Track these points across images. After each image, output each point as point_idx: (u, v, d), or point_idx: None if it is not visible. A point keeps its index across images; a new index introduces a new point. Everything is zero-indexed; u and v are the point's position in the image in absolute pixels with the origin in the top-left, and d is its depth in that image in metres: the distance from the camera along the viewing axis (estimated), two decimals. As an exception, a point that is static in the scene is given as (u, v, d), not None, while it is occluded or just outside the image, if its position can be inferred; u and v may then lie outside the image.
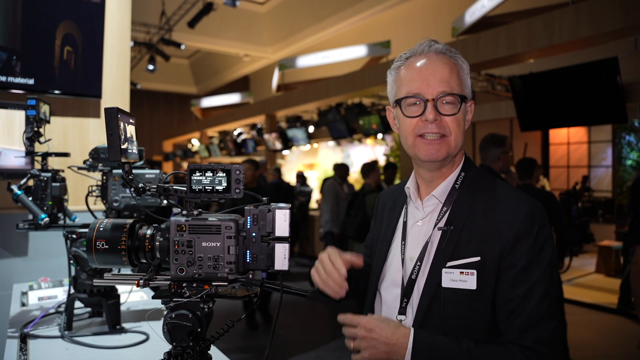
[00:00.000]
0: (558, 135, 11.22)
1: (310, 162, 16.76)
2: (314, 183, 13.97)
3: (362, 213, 5.20)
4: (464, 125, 1.25)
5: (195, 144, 19.65)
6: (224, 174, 1.08)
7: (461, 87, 1.22)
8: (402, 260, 1.29)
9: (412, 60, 1.25)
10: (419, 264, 1.24)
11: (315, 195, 11.66)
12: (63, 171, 2.14)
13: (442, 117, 1.20)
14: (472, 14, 7.82)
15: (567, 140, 11.12)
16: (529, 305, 1.11)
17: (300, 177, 11.54)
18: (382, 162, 12.44)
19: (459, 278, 1.16)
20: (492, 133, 3.87)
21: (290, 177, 14.88)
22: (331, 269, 1.22)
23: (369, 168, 5.73)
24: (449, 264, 1.17)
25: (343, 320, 1.18)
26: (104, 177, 2.03)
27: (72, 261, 1.98)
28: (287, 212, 1.10)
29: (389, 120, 1.36)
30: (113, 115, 1.04)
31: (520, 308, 1.12)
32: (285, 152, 13.96)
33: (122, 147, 1.06)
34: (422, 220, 1.30)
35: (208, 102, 19.09)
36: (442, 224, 1.23)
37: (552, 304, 1.12)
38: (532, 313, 1.11)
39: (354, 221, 5.21)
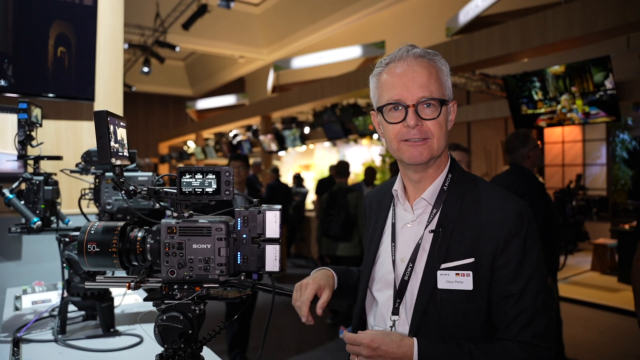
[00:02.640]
0: (553, 134, 11.27)
1: (306, 163, 16.76)
2: (310, 184, 13.97)
3: (344, 212, 5.23)
4: (447, 126, 1.27)
5: (191, 146, 19.62)
6: (214, 176, 1.08)
7: (441, 90, 1.23)
8: (393, 261, 1.31)
9: (391, 66, 1.26)
10: (410, 265, 1.25)
11: (311, 196, 11.65)
12: (56, 174, 2.13)
13: (423, 121, 1.22)
14: (466, 14, 7.84)
15: (562, 139, 11.17)
16: (524, 302, 1.15)
17: (297, 179, 11.55)
18: (377, 162, 12.46)
19: (455, 279, 1.18)
20: (515, 131, 3.75)
21: (286, 178, 14.87)
22: (300, 304, 1.28)
23: (347, 169, 5.71)
24: (444, 265, 1.19)
25: (346, 340, 1.17)
26: (97, 180, 2.02)
27: (65, 264, 1.97)
28: (278, 213, 1.10)
29: (374, 124, 1.38)
30: (102, 119, 1.04)
31: (517, 305, 1.15)
32: (280, 153, 13.96)
33: (113, 150, 1.06)
34: (411, 222, 1.31)
35: (203, 103, 19.07)
36: (432, 226, 1.25)
37: (545, 298, 1.17)
38: (528, 310, 1.15)
39: (338, 220, 5.21)
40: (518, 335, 1.14)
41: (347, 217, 5.21)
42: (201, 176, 1.09)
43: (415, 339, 1.14)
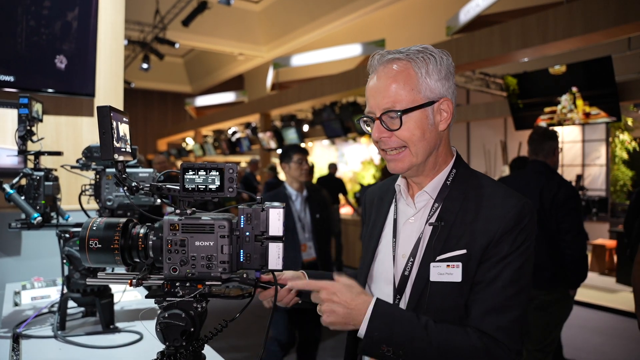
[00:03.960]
0: (552, 134, 11.23)
1: (305, 161, 16.72)
2: (309, 182, 13.96)
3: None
4: (426, 130, 1.21)
5: (190, 142, 19.61)
6: (217, 173, 1.07)
7: (411, 95, 1.19)
8: (394, 257, 1.30)
9: (370, 77, 1.28)
10: (411, 260, 1.24)
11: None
12: (56, 170, 2.12)
13: (391, 132, 1.21)
14: (467, 13, 7.83)
15: (561, 139, 11.17)
16: (494, 289, 1.13)
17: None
18: (376, 161, 12.46)
19: (446, 271, 1.17)
20: (542, 127, 3.54)
21: (284, 176, 14.85)
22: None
23: (311, 169, 6.30)
24: (438, 258, 1.18)
25: (306, 286, 1.20)
26: (97, 176, 2.02)
27: (65, 260, 1.96)
28: (281, 211, 1.10)
29: None
30: (105, 114, 1.04)
31: (485, 291, 1.14)
32: (279, 151, 13.94)
33: (115, 145, 1.05)
34: (414, 216, 1.30)
35: (202, 100, 19.04)
36: (433, 219, 1.24)
37: (519, 293, 1.14)
38: (495, 297, 1.12)
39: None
40: (479, 324, 1.12)
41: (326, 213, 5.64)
42: (204, 173, 1.08)
43: (374, 297, 1.15)
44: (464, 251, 1.17)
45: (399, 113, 1.18)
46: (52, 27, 2.76)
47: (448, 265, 1.17)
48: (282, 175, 12.14)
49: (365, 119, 1.27)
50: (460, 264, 1.16)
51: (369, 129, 1.28)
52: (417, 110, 1.19)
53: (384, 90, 1.20)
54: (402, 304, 1.25)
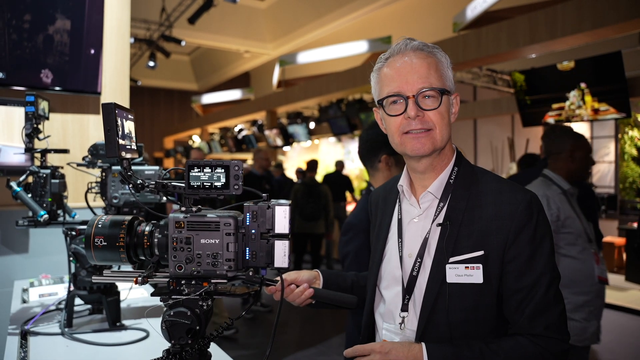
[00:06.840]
0: (560, 130, 11.13)
1: (311, 158, 16.74)
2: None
3: (321, 199, 6.73)
4: (449, 117, 1.25)
5: (196, 140, 19.65)
6: (223, 170, 1.07)
7: (441, 81, 1.22)
8: (400, 257, 1.29)
9: (391, 60, 1.26)
10: (419, 260, 1.24)
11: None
12: (62, 168, 2.13)
13: (424, 112, 1.20)
14: (474, 9, 7.78)
15: (569, 135, 11.03)
16: (536, 295, 1.14)
17: (301, 174, 11.52)
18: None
19: (465, 273, 1.17)
20: (559, 125, 3.40)
21: (289, 173, 14.87)
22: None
23: (316, 166, 7.47)
24: (452, 259, 1.18)
25: (352, 353, 1.18)
26: (103, 174, 2.02)
27: (71, 258, 1.97)
28: (287, 208, 1.09)
29: (377, 120, 1.37)
30: (110, 111, 1.03)
31: (529, 298, 1.14)
32: (286, 148, 13.96)
33: (121, 143, 1.05)
34: (418, 216, 1.29)
35: (209, 98, 19.08)
36: (440, 219, 1.23)
37: (557, 290, 1.16)
38: (540, 302, 1.13)
39: (316, 205, 6.67)
40: (530, 329, 1.13)
41: (321, 204, 6.70)
42: (210, 170, 1.07)
43: (423, 344, 1.15)
44: (481, 252, 1.17)
45: (439, 92, 1.20)
46: (57, 24, 2.76)
47: (467, 267, 1.17)
48: (288, 172, 12.10)
49: (393, 97, 1.23)
50: (480, 265, 1.16)
51: (397, 107, 1.23)
52: (446, 95, 1.23)
53: (419, 69, 1.20)
54: (411, 305, 1.24)
